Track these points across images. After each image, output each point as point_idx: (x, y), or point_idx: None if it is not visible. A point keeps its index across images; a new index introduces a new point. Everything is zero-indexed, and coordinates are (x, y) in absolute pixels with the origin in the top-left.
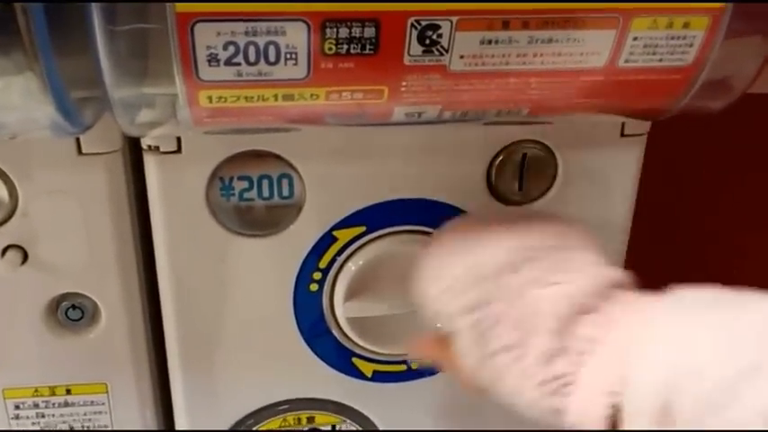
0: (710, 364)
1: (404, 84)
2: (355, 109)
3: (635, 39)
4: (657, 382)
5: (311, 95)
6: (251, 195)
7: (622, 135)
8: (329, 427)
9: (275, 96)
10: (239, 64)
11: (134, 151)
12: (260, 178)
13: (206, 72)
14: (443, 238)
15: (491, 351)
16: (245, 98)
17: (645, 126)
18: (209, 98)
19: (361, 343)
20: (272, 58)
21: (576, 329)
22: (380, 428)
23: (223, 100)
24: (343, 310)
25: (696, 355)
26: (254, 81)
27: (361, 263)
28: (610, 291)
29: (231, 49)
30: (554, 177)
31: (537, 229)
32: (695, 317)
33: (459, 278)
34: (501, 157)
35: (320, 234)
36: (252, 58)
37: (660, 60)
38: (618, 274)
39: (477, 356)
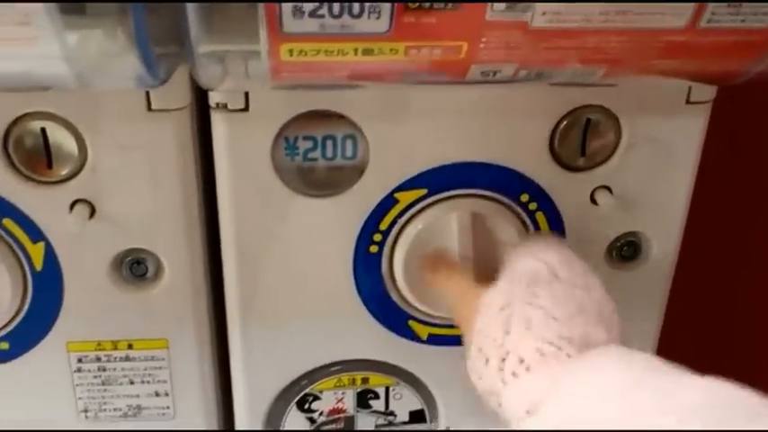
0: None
1: (483, 40)
2: (432, 66)
3: None
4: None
5: (390, 50)
6: (315, 155)
7: (688, 102)
8: (383, 389)
9: (355, 50)
10: (323, 16)
11: (201, 109)
12: (324, 138)
13: (290, 24)
14: None
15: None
16: (325, 52)
17: (710, 93)
18: (291, 51)
19: (417, 305)
20: (355, 11)
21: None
22: (433, 391)
23: (303, 54)
24: (406, 284)
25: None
26: (336, 34)
27: (420, 226)
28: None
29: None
30: (617, 144)
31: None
32: (600, 381)
33: (552, 247)
34: (565, 122)
35: (382, 196)
36: (336, 10)
37: (743, 21)
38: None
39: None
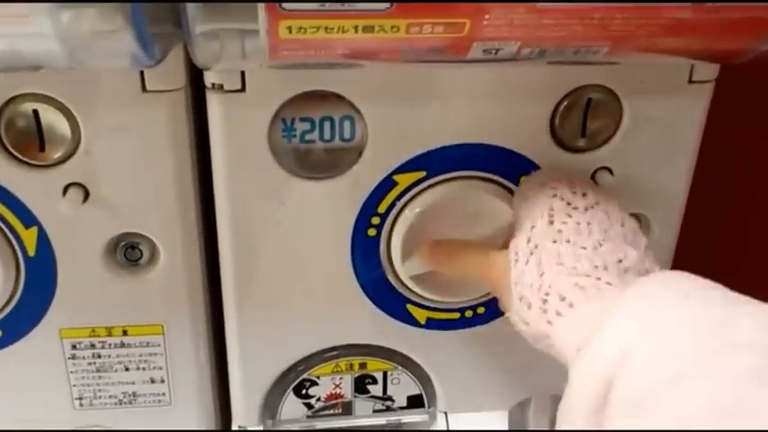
0: (647, 364)
1: (486, 17)
2: (434, 43)
3: None
4: (605, 363)
5: (392, 27)
6: (312, 137)
7: (690, 81)
8: (381, 374)
9: (355, 28)
10: None
11: (197, 90)
12: (322, 120)
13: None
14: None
15: (553, 237)
16: (325, 29)
17: (713, 73)
18: (290, 29)
19: (416, 290)
20: None
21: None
22: (431, 376)
23: (303, 31)
24: (404, 269)
25: (646, 350)
26: (336, 11)
27: (419, 209)
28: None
29: None
30: (618, 124)
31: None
32: (658, 310)
33: (557, 179)
34: (565, 103)
35: (380, 178)
36: None
37: None
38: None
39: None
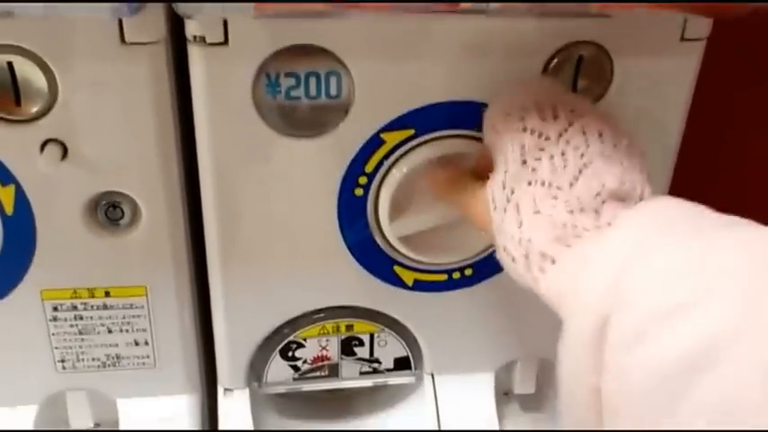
0: (646, 293)
1: None
2: None
3: None
4: (596, 298)
5: None
6: (297, 93)
7: (682, 39)
8: (367, 336)
9: None
10: None
11: (178, 43)
12: (307, 75)
13: None
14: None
15: (528, 178)
16: None
17: (705, 30)
18: None
19: (403, 251)
20: None
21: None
22: (418, 338)
23: None
24: (391, 228)
25: (637, 282)
26: None
27: (407, 168)
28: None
29: None
30: (609, 82)
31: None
32: (655, 238)
33: (525, 108)
34: (556, 60)
35: (368, 136)
36: None
37: None
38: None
39: (512, 181)
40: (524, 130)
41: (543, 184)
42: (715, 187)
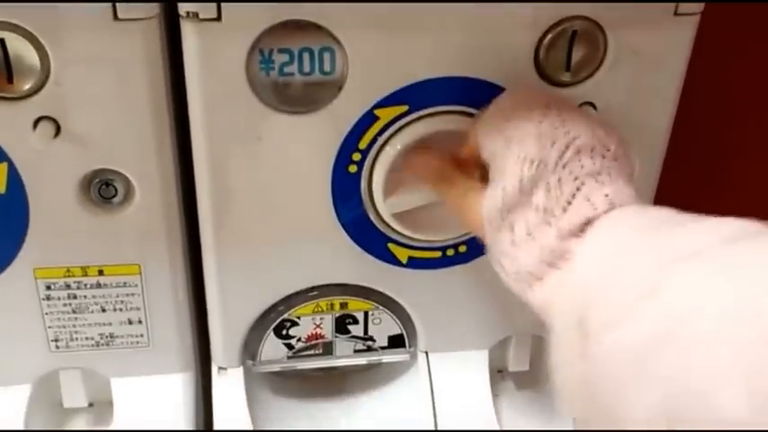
0: (613, 292)
1: None
2: None
3: None
4: (574, 299)
5: None
6: (291, 69)
7: (676, 14)
8: (362, 314)
9: None
10: None
11: (171, 19)
12: (301, 51)
13: None
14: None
15: (525, 203)
16: None
17: (699, 5)
18: None
19: (397, 228)
20: None
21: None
22: (412, 316)
23: None
24: (385, 205)
25: (609, 278)
26: None
27: (401, 145)
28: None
29: None
30: (603, 58)
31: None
32: (625, 238)
33: (525, 135)
34: (550, 35)
35: (361, 112)
36: None
37: None
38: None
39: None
40: (524, 159)
41: (538, 209)
42: (706, 163)
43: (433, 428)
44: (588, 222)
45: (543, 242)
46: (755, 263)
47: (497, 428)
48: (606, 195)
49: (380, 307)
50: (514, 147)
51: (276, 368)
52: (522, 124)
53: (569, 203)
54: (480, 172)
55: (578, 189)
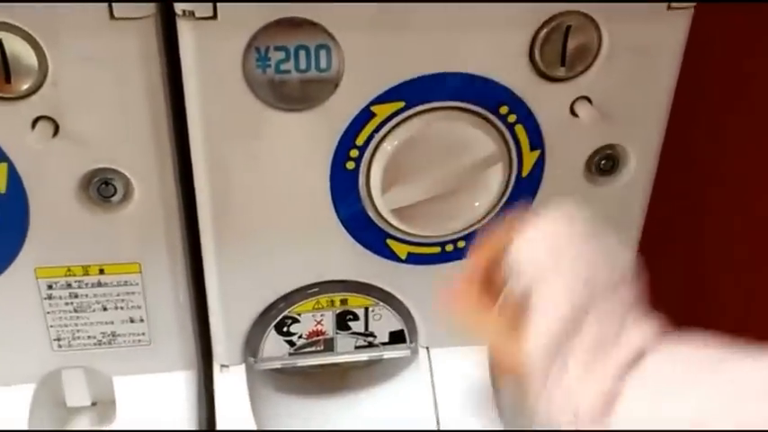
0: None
1: None
2: None
3: None
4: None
5: None
6: (287, 67)
7: (669, 7)
8: (362, 310)
9: None
10: None
11: (167, 18)
12: (297, 48)
13: None
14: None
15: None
16: None
17: None
18: None
19: (396, 224)
20: None
21: None
22: (412, 311)
23: None
24: (383, 201)
25: None
26: None
27: (398, 141)
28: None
29: None
30: (597, 52)
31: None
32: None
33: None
34: (544, 30)
35: (358, 109)
36: None
37: None
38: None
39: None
40: (573, 287)
41: (592, 341)
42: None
43: (434, 423)
44: (641, 354)
45: (600, 380)
46: None
47: (499, 424)
48: (651, 325)
49: (381, 303)
50: (564, 271)
51: (278, 365)
52: (567, 250)
53: (620, 334)
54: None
55: (627, 317)
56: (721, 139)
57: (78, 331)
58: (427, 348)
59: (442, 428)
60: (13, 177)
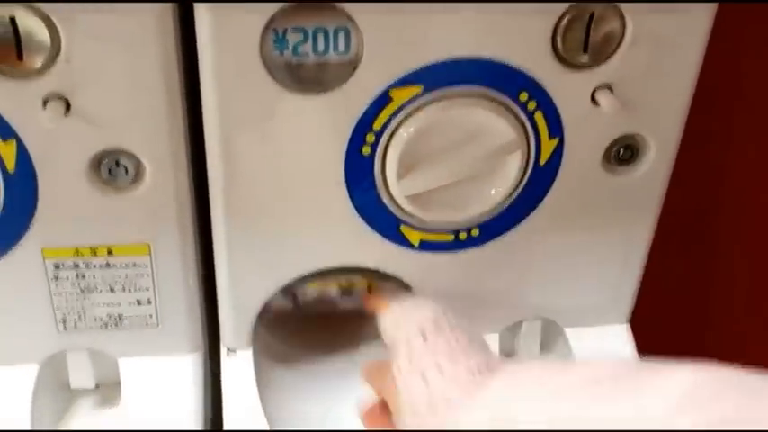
0: None
1: None
2: None
3: None
4: None
5: None
6: (305, 49)
7: None
8: None
9: None
10: None
11: (183, 2)
12: (315, 31)
13: None
14: None
15: None
16: None
17: None
18: None
19: (410, 210)
20: None
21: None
22: None
23: None
24: (398, 187)
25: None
26: None
27: (415, 127)
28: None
29: None
30: (620, 40)
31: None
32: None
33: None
34: (568, 16)
35: (376, 93)
36: None
37: None
38: None
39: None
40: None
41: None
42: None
43: None
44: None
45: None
46: None
47: None
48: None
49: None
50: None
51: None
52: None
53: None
54: None
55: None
56: (732, 135)
57: (85, 313)
58: None
59: None
60: (23, 156)
